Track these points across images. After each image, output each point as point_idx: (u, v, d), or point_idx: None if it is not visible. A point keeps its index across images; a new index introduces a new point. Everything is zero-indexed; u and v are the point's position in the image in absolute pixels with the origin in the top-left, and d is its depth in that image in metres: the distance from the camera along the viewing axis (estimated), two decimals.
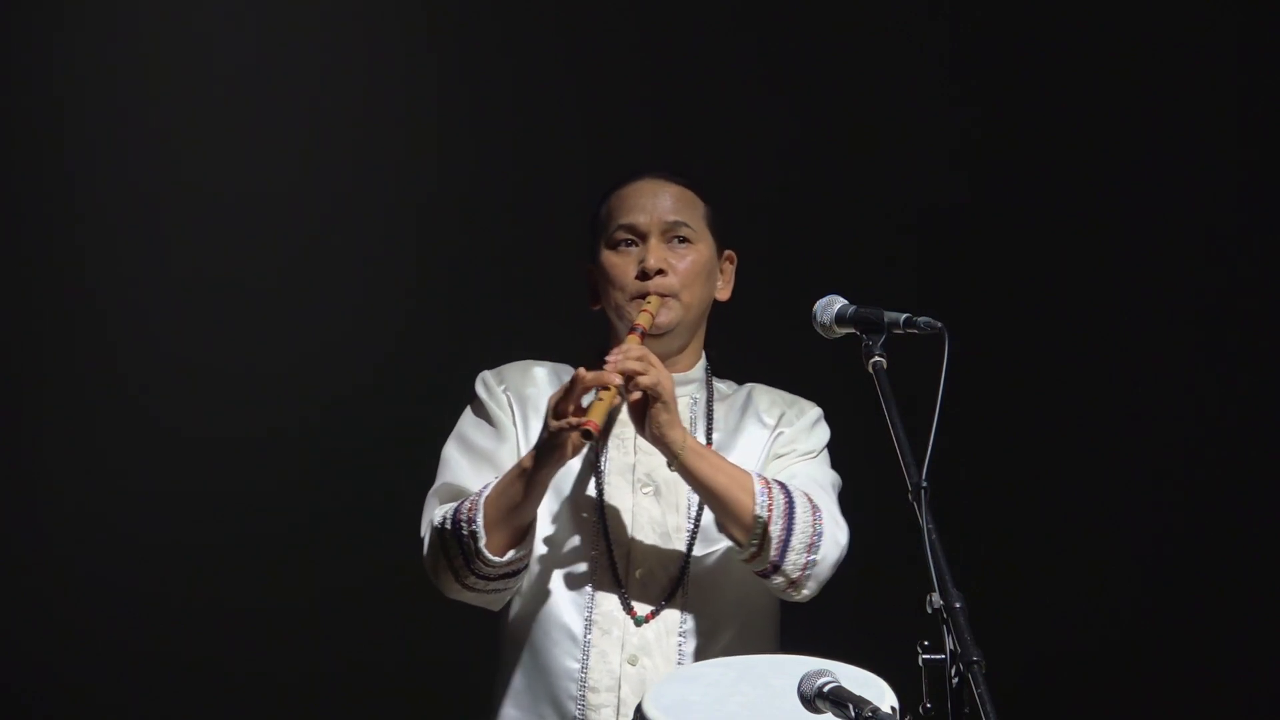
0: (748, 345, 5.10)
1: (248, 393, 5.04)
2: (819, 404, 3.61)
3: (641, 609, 3.37)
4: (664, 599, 3.38)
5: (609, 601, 3.37)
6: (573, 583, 3.39)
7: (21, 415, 5.02)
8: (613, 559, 3.38)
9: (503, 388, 3.50)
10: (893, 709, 2.93)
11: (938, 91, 5.29)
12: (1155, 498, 5.26)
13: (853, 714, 2.73)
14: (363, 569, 4.91)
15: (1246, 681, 5.25)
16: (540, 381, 3.50)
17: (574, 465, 3.40)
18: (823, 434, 3.55)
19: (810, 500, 3.35)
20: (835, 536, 3.36)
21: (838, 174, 5.23)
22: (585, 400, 3.26)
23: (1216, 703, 5.22)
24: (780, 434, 3.50)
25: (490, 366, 3.58)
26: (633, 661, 3.35)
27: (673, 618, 3.37)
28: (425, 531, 3.39)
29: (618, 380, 3.23)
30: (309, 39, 5.14)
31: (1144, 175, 5.29)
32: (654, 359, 3.29)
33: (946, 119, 5.28)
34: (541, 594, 3.40)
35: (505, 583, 3.36)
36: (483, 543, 3.28)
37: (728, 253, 3.58)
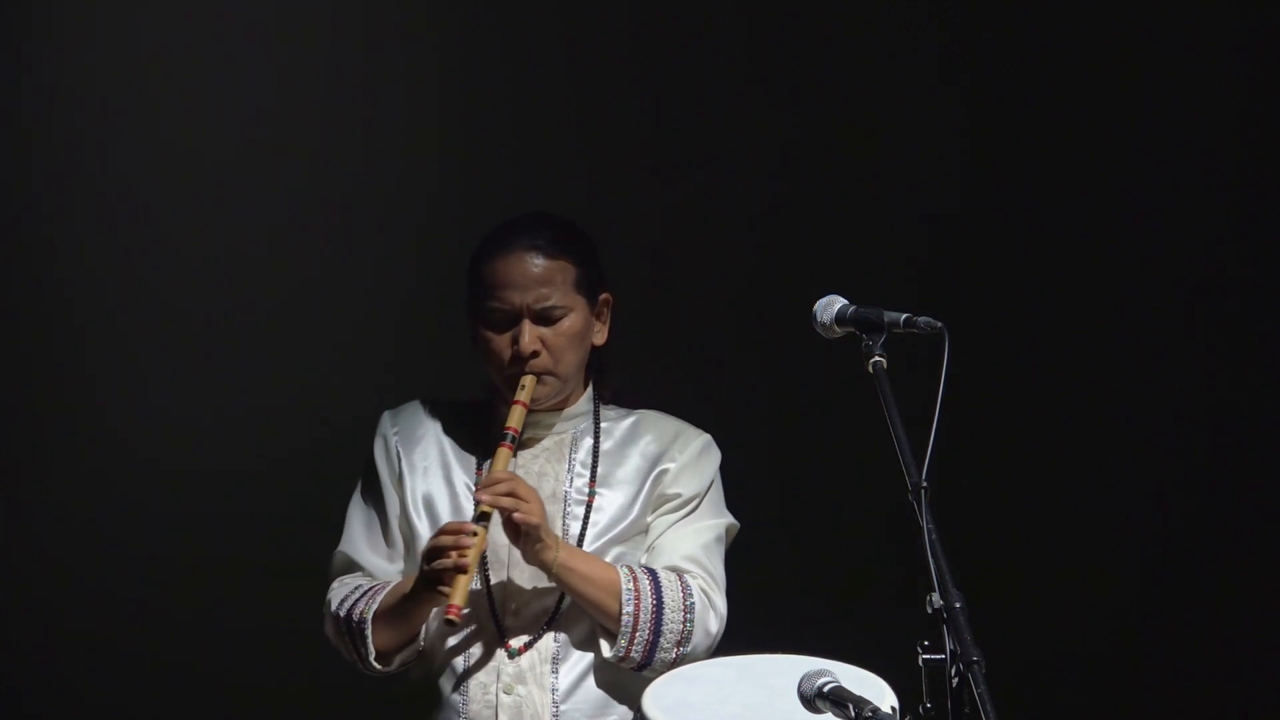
0: (748, 346, 5.14)
1: (240, 404, 5.04)
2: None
3: (516, 641, 3.48)
4: (538, 631, 3.49)
5: (486, 635, 3.49)
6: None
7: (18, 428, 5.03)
8: (490, 596, 3.50)
9: (394, 430, 3.61)
10: (893, 709, 2.93)
11: (936, 93, 5.29)
12: (1155, 497, 5.26)
13: (853, 714, 2.73)
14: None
15: (1246, 681, 5.25)
16: (431, 420, 3.62)
17: (457, 504, 3.53)
18: (709, 465, 3.63)
19: (683, 588, 3.48)
20: (706, 626, 3.49)
21: (837, 175, 5.23)
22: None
23: (1216, 702, 5.22)
24: (664, 470, 3.59)
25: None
26: (508, 690, 3.45)
27: (546, 647, 3.48)
28: (325, 612, 3.54)
29: (469, 545, 3.35)
30: (307, 43, 5.13)
31: (1142, 176, 5.28)
32: (522, 487, 3.41)
33: (945, 120, 5.27)
34: (429, 630, 3.51)
35: (401, 670, 3.52)
36: (372, 657, 3.46)
37: (603, 297, 3.63)
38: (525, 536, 3.40)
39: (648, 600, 3.44)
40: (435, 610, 3.43)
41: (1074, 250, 5.28)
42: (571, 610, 3.49)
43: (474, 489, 3.50)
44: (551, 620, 3.48)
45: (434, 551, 3.37)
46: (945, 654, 2.69)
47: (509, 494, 3.38)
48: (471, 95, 5.16)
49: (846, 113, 5.25)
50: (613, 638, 3.45)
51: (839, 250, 5.12)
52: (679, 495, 3.58)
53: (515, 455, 3.51)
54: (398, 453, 3.58)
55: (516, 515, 3.37)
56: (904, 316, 3.10)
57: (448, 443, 3.59)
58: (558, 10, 5.19)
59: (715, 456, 3.64)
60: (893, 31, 5.26)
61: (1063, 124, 5.28)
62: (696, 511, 3.60)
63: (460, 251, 5.14)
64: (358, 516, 3.60)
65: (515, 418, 3.48)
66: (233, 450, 5.03)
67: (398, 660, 3.48)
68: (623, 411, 3.67)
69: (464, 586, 3.33)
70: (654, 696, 3.10)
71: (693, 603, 3.47)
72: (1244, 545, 5.26)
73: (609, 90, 5.20)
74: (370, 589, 3.49)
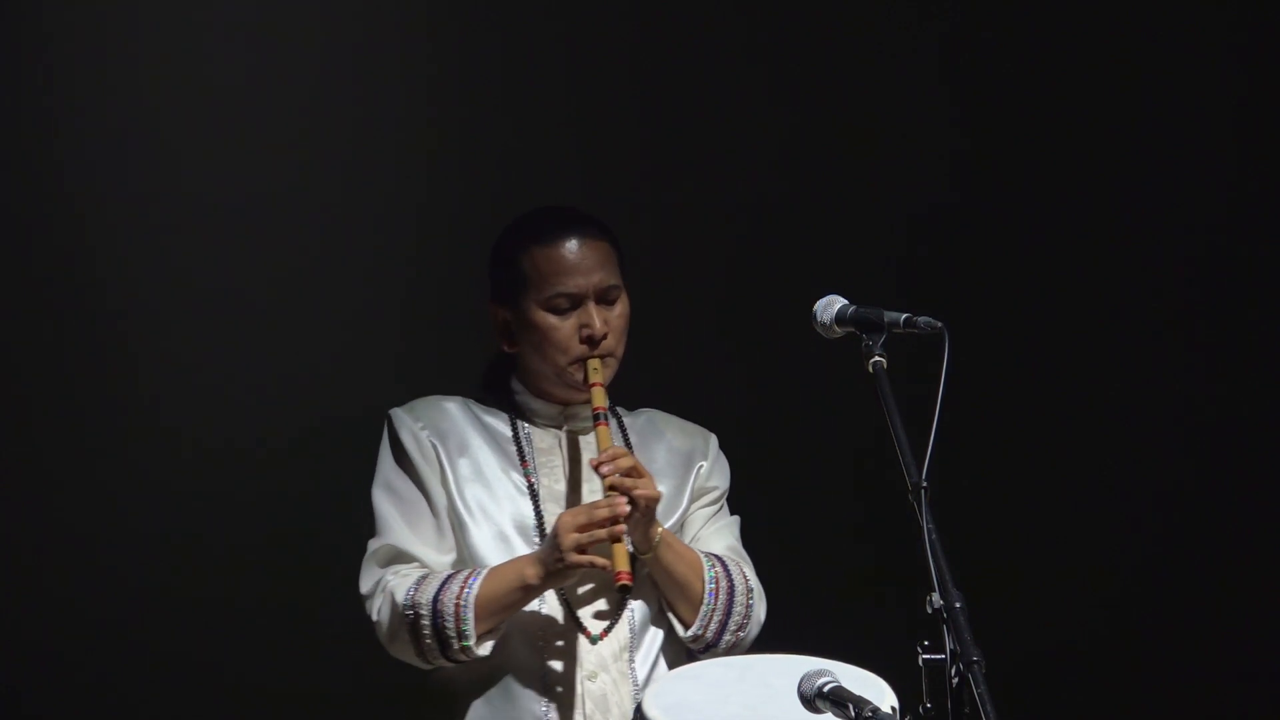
0: (748, 345, 5.14)
1: (235, 401, 5.04)
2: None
3: (595, 627, 3.47)
4: (614, 616, 3.48)
5: (561, 623, 3.47)
6: (524, 611, 3.45)
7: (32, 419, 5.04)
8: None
9: (420, 425, 3.58)
10: (893, 709, 2.93)
11: (935, 92, 5.29)
12: (1154, 497, 5.26)
13: (853, 714, 2.73)
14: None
15: (1245, 680, 5.25)
16: (454, 415, 3.60)
17: (507, 494, 3.53)
18: (725, 460, 3.69)
19: (745, 579, 3.52)
20: (759, 616, 3.54)
21: (836, 175, 5.23)
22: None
23: (1215, 701, 5.23)
24: (700, 466, 3.63)
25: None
26: (592, 678, 3.44)
27: (623, 633, 3.48)
28: (381, 603, 3.47)
29: (626, 510, 3.35)
30: (302, 45, 5.13)
31: (1141, 175, 5.29)
32: (640, 465, 3.43)
33: (945, 120, 5.27)
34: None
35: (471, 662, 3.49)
36: (471, 642, 3.40)
37: (625, 283, 3.64)
38: (644, 513, 3.39)
39: (725, 582, 3.48)
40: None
41: (1074, 250, 5.28)
42: (638, 594, 3.48)
43: (586, 472, 3.51)
44: (623, 604, 3.48)
45: (581, 529, 3.34)
46: (945, 654, 2.69)
47: (631, 471, 3.39)
48: (471, 95, 5.16)
49: (846, 112, 5.25)
50: (688, 618, 3.47)
51: (839, 250, 5.12)
52: (715, 488, 3.63)
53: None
54: (432, 445, 3.54)
55: (641, 495, 3.37)
56: (904, 316, 3.10)
57: (479, 437, 3.57)
58: (556, 10, 5.19)
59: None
60: (892, 31, 5.26)
61: (1062, 123, 5.29)
62: (725, 507, 3.66)
63: (460, 251, 5.16)
64: (394, 509, 3.54)
65: (600, 397, 3.48)
66: (246, 432, 5.03)
67: (490, 645, 3.42)
68: (625, 409, 3.69)
69: (624, 553, 3.33)
70: (654, 696, 3.10)
71: (751, 587, 3.52)
72: (1243, 545, 5.27)
73: (607, 90, 5.20)
74: (448, 576, 3.44)
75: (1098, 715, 5.27)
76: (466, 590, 3.40)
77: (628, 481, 3.37)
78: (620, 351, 3.56)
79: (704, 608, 3.46)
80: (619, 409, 3.67)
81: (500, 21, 5.18)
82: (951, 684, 2.68)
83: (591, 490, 3.51)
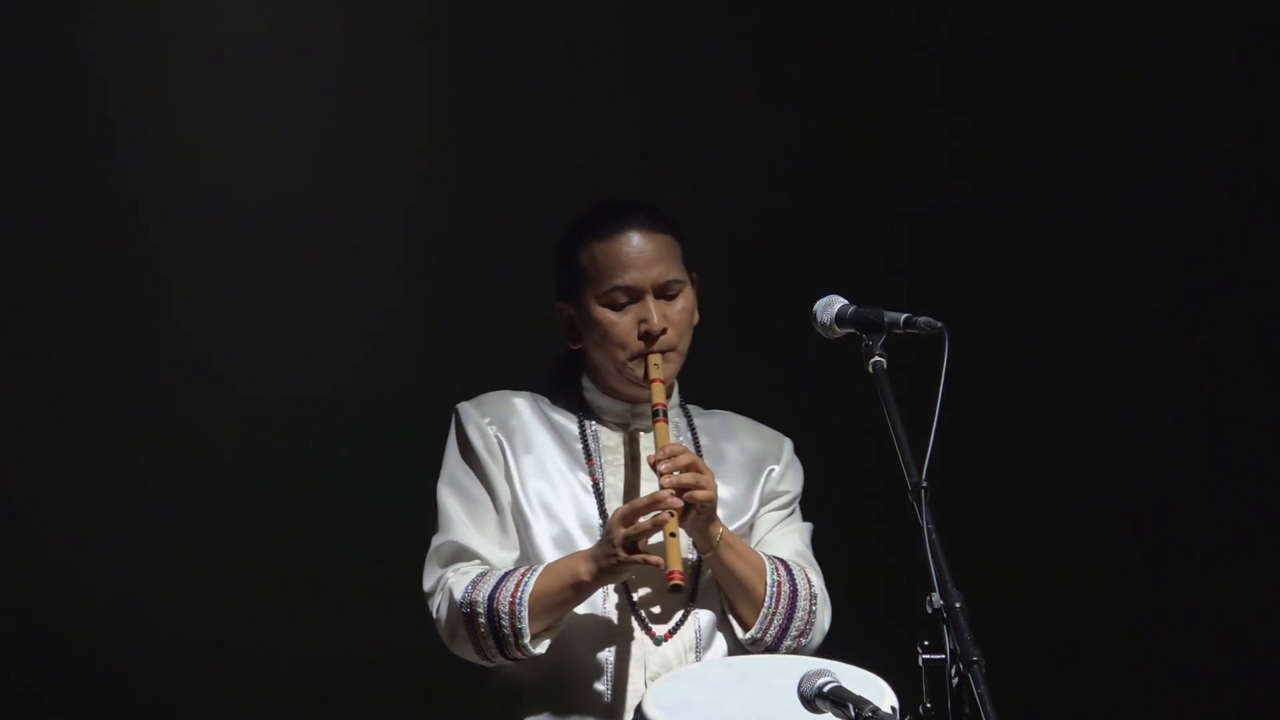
0: (747, 345, 5.14)
1: (229, 398, 5.06)
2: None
3: (660, 628, 3.44)
4: (679, 617, 3.46)
5: (625, 623, 3.45)
6: (590, 611, 3.44)
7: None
8: (625, 585, 3.45)
9: (487, 421, 3.55)
10: (893, 709, 2.93)
11: (934, 93, 5.29)
12: (1154, 497, 5.26)
13: (853, 714, 2.73)
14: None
15: (1245, 680, 5.25)
16: (521, 412, 3.57)
17: (571, 492, 3.50)
18: (800, 467, 3.66)
19: (810, 584, 3.49)
20: (823, 624, 3.50)
21: (835, 175, 5.23)
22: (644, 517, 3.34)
23: (1215, 701, 5.23)
24: (771, 470, 3.61)
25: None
26: (655, 680, 3.38)
27: (689, 634, 3.46)
28: (441, 600, 3.45)
29: (679, 504, 3.32)
30: (299, 41, 5.14)
31: (1140, 175, 5.29)
32: (700, 463, 3.40)
33: (943, 121, 5.28)
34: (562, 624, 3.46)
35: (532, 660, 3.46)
36: (527, 640, 3.37)
37: (693, 276, 3.60)
38: (701, 511, 3.36)
39: (787, 585, 3.45)
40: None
41: (1074, 250, 5.28)
42: (703, 595, 3.46)
43: (635, 469, 3.51)
44: (688, 606, 3.46)
45: (628, 523, 3.31)
46: (945, 654, 2.70)
47: (689, 468, 3.35)
48: (471, 95, 5.16)
49: (845, 112, 5.25)
50: (748, 619, 3.44)
51: (839, 250, 5.12)
52: (787, 493, 3.61)
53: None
54: (499, 441, 3.52)
55: (698, 494, 3.34)
56: (904, 317, 3.10)
57: (546, 434, 3.55)
58: (555, 11, 5.19)
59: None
60: (892, 32, 5.26)
61: (1062, 123, 5.29)
62: (796, 512, 3.63)
63: (460, 250, 5.16)
64: (458, 505, 3.52)
65: (659, 393, 3.45)
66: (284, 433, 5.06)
67: (547, 643, 3.40)
68: (699, 409, 3.66)
69: (677, 551, 3.28)
70: (654, 696, 3.10)
71: (815, 593, 3.48)
72: (1243, 545, 5.27)
73: (606, 90, 5.20)
74: (504, 574, 3.41)
75: (1098, 715, 5.27)
76: (522, 588, 3.37)
77: (686, 478, 3.34)
78: (684, 347, 3.52)
79: (764, 610, 3.42)
80: (691, 407, 3.64)
81: (500, 22, 5.18)
82: (951, 684, 2.69)
83: (652, 489, 3.45)
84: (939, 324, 3.06)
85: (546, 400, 3.59)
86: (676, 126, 5.21)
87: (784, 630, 3.43)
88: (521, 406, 3.57)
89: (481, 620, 3.37)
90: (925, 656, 2.72)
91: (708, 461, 3.50)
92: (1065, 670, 5.22)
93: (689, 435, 3.60)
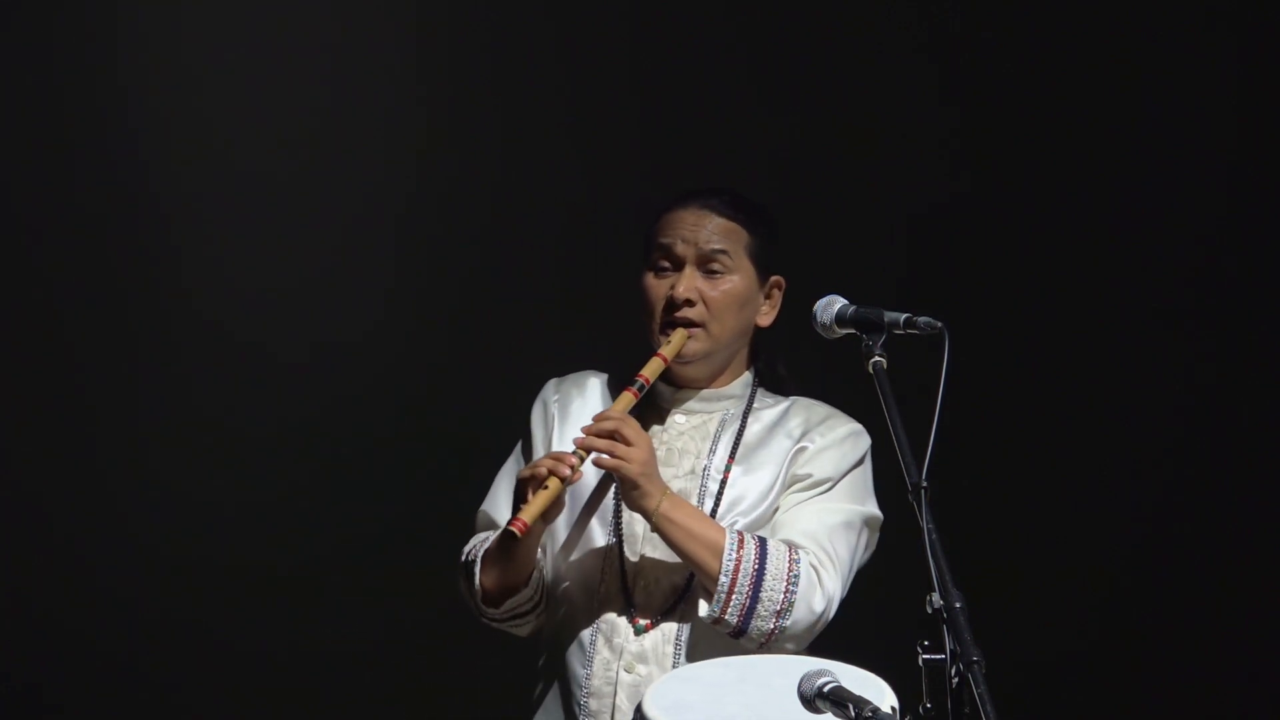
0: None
1: (230, 397, 5.06)
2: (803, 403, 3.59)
3: (643, 619, 3.42)
4: (664, 611, 3.43)
5: (616, 611, 3.43)
6: (587, 594, 3.45)
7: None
8: (623, 571, 3.43)
9: (555, 398, 3.55)
10: (893, 709, 2.93)
11: (933, 93, 5.29)
12: (1154, 498, 5.26)
13: (853, 714, 2.72)
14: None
15: (1245, 680, 5.25)
16: (589, 390, 3.55)
17: (595, 474, 3.44)
18: (853, 452, 3.50)
19: (791, 559, 3.35)
20: (810, 603, 3.35)
21: (834, 175, 5.23)
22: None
23: (1215, 701, 5.23)
24: (802, 449, 3.48)
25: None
26: (629, 669, 3.39)
27: (670, 629, 3.42)
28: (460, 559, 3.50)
29: (572, 462, 3.29)
30: (299, 41, 5.14)
31: (1140, 175, 5.29)
32: (629, 430, 3.33)
33: (944, 120, 5.28)
34: (561, 604, 3.47)
35: (516, 623, 3.48)
36: (479, 598, 3.42)
37: (775, 279, 3.55)
38: (622, 481, 3.33)
39: (749, 564, 3.32)
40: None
41: (1074, 250, 5.28)
42: (699, 593, 3.39)
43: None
44: (680, 601, 3.41)
45: (522, 480, 3.31)
46: (945, 654, 2.70)
47: (610, 434, 3.31)
48: (470, 94, 5.16)
49: (845, 112, 5.25)
50: (710, 597, 3.34)
51: (839, 250, 5.12)
52: (810, 475, 3.46)
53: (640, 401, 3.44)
54: (553, 417, 3.51)
55: (604, 460, 3.31)
56: (904, 317, 3.11)
57: (596, 412, 3.45)
58: (555, 10, 5.19)
59: (862, 445, 3.51)
60: (892, 31, 5.26)
61: (1062, 123, 5.29)
62: (830, 494, 3.46)
63: (460, 250, 5.17)
64: (504, 478, 3.52)
65: (651, 367, 3.41)
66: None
67: (506, 606, 3.40)
68: (776, 399, 3.57)
69: (539, 504, 3.25)
70: (654, 696, 3.10)
71: (797, 575, 3.34)
72: (1243, 545, 5.27)
73: (606, 90, 5.20)
74: (489, 535, 3.44)
75: (1098, 715, 5.27)
76: (483, 547, 3.42)
77: (599, 442, 3.30)
78: (718, 330, 3.46)
79: (719, 587, 3.31)
80: (767, 398, 3.56)
81: (499, 22, 5.18)
82: (951, 684, 2.69)
83: (670, 474, 3.43)
84: (939, 324, 3.06)
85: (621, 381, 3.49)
86: (676, 126, 5.21)
87: (748, 610, 3.32)
88: (594, 385, 3.56)
89: (462, 573, 3.43)
90: (925, 656, 2.72)
91: (746, 451, 3.47)
92: (1065, 670, 5.22)
93: (736, 425, 3.51)
